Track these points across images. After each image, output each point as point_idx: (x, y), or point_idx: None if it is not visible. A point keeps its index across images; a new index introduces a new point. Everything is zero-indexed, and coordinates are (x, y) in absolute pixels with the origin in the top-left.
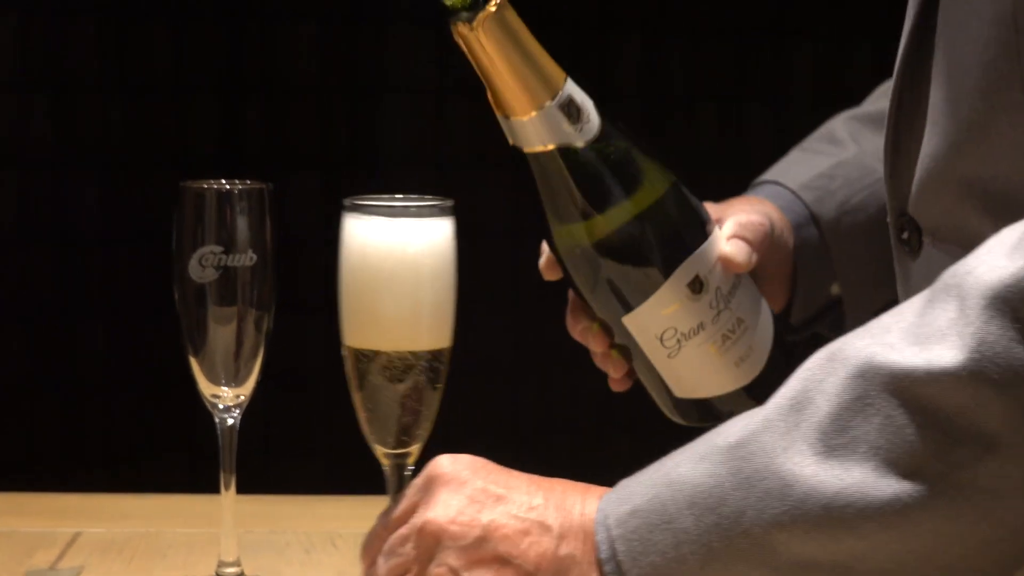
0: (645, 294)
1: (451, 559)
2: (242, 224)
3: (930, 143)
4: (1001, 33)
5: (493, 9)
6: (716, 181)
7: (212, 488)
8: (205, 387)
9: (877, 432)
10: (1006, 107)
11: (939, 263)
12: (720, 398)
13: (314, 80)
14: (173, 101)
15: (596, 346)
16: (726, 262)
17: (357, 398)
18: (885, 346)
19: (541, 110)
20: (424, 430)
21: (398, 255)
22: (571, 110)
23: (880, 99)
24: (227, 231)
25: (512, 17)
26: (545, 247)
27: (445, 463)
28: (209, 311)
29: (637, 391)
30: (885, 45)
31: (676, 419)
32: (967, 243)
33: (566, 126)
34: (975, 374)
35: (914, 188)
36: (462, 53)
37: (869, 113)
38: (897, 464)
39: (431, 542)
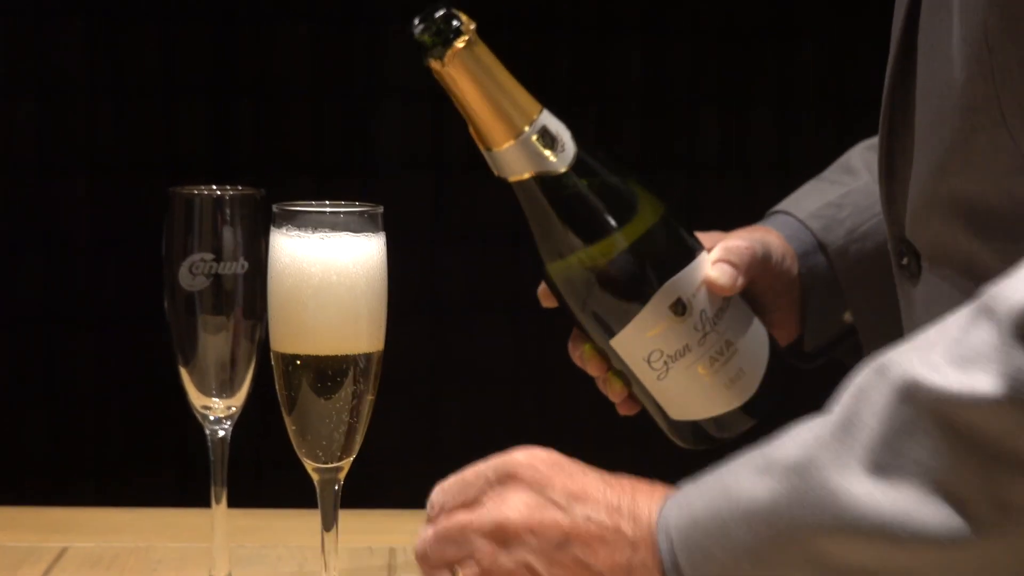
0: (628, 317)
1: (530, 557)
2: (234, 231)
3: (919, 165)
4: (975, 51)
5: (461, 46)
6: (719, 184)
7: (203, 502)
8: (196, 398)
9: (927, 455)
10: (985, 126)
11: (938, 288)
12: (714, 419)
13: (308, 83)
14: (163, 103)
15: (594, 371)
16: (710, 285)
17: (285, 408)
18: (930, 367)
19: (517, 139)
20: (355, 443)
21: (322, 272)
22: (546, 139)
23: None
24: (218, 238)
25: (482, 51)
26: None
27: (521, 458)
28: (199, 320)
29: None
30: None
31: (676, 441)
32: (961, 266)
33: (540, 154)
34: (1013, 400)
35: (908, 211)
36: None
37: None
38: (946, 487)
39: (510, 539)
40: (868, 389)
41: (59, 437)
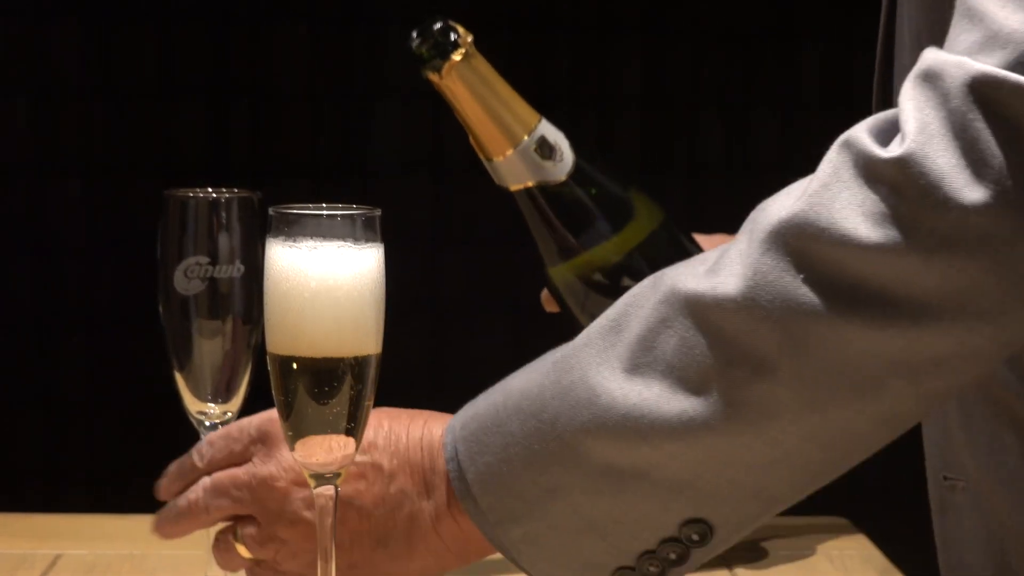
0: None
1: (299, 509)
2: (230, 234)
3: None
4: (915, 53)
5: (459, 58)
6: (721, 186)
7: None
8: (191, 403)
9: (674, 352)
10: None
11: None
12: None
13: (305, 84)
14: (158, 105)
15: None
16: None
17: (282, 413)
18: (690, 275)
19: (516, 149)
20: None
21: (319, 281)
22: (545, 149)
23: None
24: (213, 241)
25: (480, 63)
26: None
27: (275, 418)
28: (194, 324)
29: None
30: None
31: None
32: None
33: (540, 164)
34: (749, 300)
35: None
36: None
37: None
38: (688, 382)
39: (278, 496)
40: (640, 297)
41: (52, 443)
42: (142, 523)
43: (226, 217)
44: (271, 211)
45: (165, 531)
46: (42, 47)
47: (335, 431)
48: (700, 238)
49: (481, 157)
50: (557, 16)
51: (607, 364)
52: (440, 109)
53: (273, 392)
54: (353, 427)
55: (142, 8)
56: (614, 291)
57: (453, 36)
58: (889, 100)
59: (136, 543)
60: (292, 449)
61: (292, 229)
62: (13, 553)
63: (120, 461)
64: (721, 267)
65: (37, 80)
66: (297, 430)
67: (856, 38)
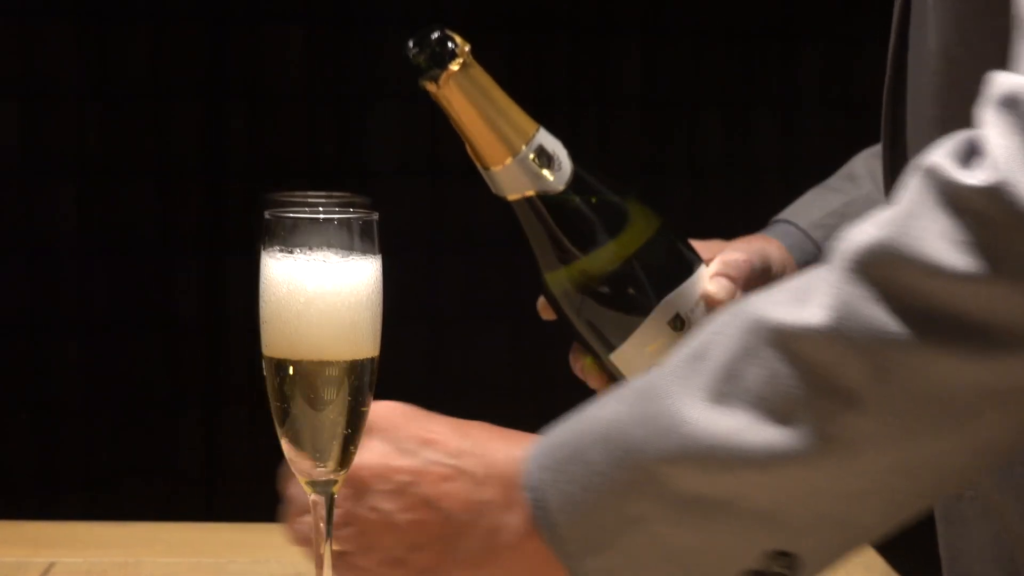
0: (627, 332)
1: (381, 502)
2: None
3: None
4: (942, 64)
5: (456, 68)
6: (721, 188)
7: (192, 515)
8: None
9: (760, 382)
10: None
11: None
12: None
13: (302, 86)
14: (153, 107)
15: (595, 384)
16: (708, 300)
17: (278, 419)
18: (774, 303)
19: (514, 159)
20: (351, 454)
21: (314, 289)
22: (543, 158)
23: None
24: None
25: (478, 73)
26: None
27: (378, 409)
28: None
29: None
30: None
31: None
32: None
33: (538, 173)
34: (836, 331)
35: None
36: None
37: None
38: (774, 412)
39: (360, 488)
40: (721, 326)
41: (46, 449)
42: (137, 530)
43: None
44: (267, 215)
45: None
46: (34, 48)
47: (332, 437)
48: (697, 244)
49: (478, 165)
50: (556, 16)
51: (690, 393)
52: (437, 112)
53: (269, 397)
54: (350, 433)
55: (136, 8)
56: (610, 298)
57: (451, 45)
58: (901, 113)
59: (131, 550)
60: (288, 458)
61: (287, 237)
62: (7, 561)
63: (115, 466)
64: (806, 297)
65: (29, 82)
66: (293, 436)
67: (857, 39)
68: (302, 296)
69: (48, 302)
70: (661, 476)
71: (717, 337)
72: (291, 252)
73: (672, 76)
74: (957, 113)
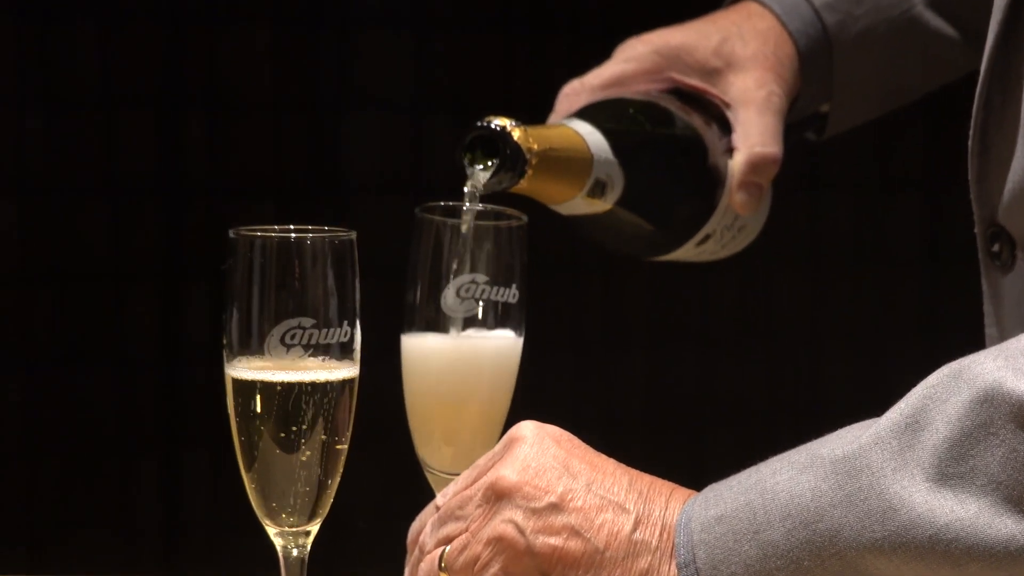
0: (659, 254)
1: (518, 517)
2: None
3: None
4: None
5: (531, 172)
6: None
7: (148, 569)
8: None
9: (999, 465)
10: None
11: None
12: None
13: (268, 93)
14: (102, 115)
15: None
16: (738, 209)
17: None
18: (1015, 372)
19: (573, 200)
20: (325, 502)
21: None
22: (597, 190)
23: None
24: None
25: (544, 152)
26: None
27: (530, 427)
28: None
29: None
30: None
31: None
32: None
33: (594, 203)
34: None
35: (1005, 196)
36: (444, 63)
37: None
38: (1017, 501)
39: (500, 498)
40: (941, 391)
41: None
42: None
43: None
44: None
45: None
46: None
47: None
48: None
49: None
50: (556, 16)
51: (906, 471)
52: (422, 119)
53: (234, 439)
54: (325, 479)
55: (81, 4)
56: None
57: (522, 157)
58: (1002, 84)
59: None
60: (259, 513)
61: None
62: None
63: (65, 517)
64: None
65: None
66: (262, 483)
67: None
68: None
69: None
70: (866, 568)
71: (935, 404)
72: None
73: None
74: None
